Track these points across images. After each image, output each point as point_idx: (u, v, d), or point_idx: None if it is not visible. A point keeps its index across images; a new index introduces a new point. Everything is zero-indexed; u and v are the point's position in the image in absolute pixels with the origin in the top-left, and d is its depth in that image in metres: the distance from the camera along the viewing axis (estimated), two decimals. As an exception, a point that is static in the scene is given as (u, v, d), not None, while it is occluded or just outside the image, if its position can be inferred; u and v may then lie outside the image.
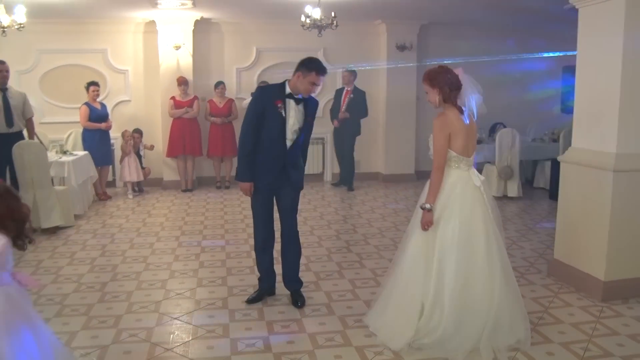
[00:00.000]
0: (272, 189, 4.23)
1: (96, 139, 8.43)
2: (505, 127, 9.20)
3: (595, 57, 4.51)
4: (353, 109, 9.22)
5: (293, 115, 4.09)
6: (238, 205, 8.14)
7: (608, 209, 4.30)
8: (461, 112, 3.55)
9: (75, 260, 5.55)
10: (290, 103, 4.08)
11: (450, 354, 3.39)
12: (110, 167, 9.09)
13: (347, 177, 9.55)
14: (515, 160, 8.41)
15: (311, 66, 4.00)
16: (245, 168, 4.18)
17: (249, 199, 4.37)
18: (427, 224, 3.46)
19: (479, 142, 9.04)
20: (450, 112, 3.54)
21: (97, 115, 8.43)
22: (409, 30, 9.98)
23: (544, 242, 6.08)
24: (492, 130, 9.75)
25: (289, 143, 4.12)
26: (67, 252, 5.82)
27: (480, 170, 8.70)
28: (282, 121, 4.07)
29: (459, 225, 3.46)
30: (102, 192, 8.67)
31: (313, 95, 4.18)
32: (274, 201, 4.33)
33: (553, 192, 8.16)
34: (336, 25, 7.39)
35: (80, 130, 8.60)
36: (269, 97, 4.10)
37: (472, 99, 3.58)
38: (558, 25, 8.99)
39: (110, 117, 8.79)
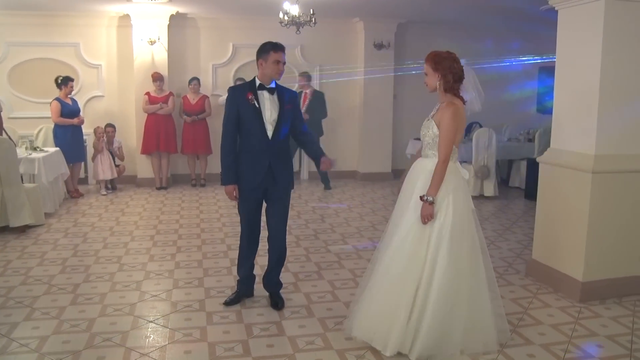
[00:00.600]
0: (260, 192, 4.14)
1: (68, 135, 8.23)
2: (481, 126, 9.24)
3: (575, 58, 4.53)
4: (313, 111, 9.13)
5: (269, 107, 4.01)
6: (214, 204, 8.03)
7: (586, 210, 4.32)
8: (464, 102, 3.49)
9: (46, 260, 5.39)
10: (264, 94, 4.01)
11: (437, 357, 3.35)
12: (82, 163, 8.87)
13: (323, 177, 9.50)
14: (492, 159, 8.46)
15: (266, 48, 3.98)
16: (227, 171, 4.09)
17: (225, 196, 4.27)
18: (428, 217, 3.33)
19: (456, 141, 9.10)
20: (459, 103, 3.46)
21: (69, 111, 8.24)
22: (387, 29, 9.96)
23: (521, 242, 6.11)
24: (469, 129, 9.78)
25: (270, 134, 4.02)
26: (37, 252, 5.65)
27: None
28: (257, 111, 3.99)
29: (454, 219, 3.39)
30: (75, 189, 8.47)
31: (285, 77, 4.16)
32: (263, 205, 4.24)
33: (528, 192, 8.24)
34: (315, 23, 7.32)
35: (51, 126, 8.39)
36: (240, 94, 4.04)
37: (469, 95, 3.54)
38: (535, 26, 9.07)
39: (82, 112, 8.59)
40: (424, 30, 10.27)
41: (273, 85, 4.05)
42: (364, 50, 10.05)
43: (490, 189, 8.47)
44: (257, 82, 4.04)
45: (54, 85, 8.22)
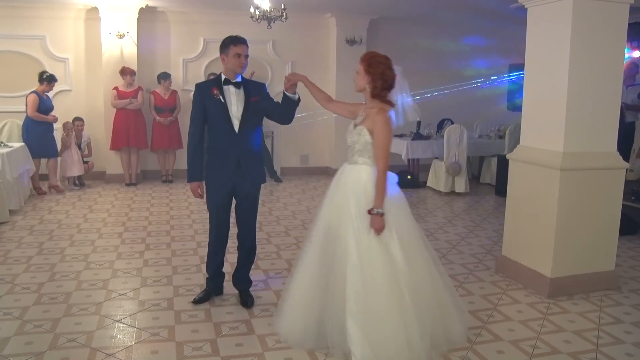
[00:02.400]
0: (228, 187, 4.07)
1: (41, 130, 8.10)
2: (453, 123, 9.31)
3: (544, 56, 4.56)
4: None
5: (234, 101, 3.96)
6: (184, 200, 7.93)
7: (555, 207, 4.36)
8: (393, 106, 3.42)
9: (10, 259, 5.23)
10: (230, 89, 3.96)
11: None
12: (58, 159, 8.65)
13: (270, 170, 9.58)
14: (463, 156, 8.52)
15: (226, 42, 3.96)
16: (192, 167, 4.06)
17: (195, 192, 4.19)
18: (381, 229, 3.25)
19: (428, 137, 9.14)
20: (388, 109, 3.38)
21: (46, 107, 8.13)
22: (359, 25, 9.95)
23: (491, 238, 6.16)
24: (440, 126, 9.86)
25: (236, 128, 3.96)
26: (1, 250, 5.49)
27: (428, 166, 8.93)
28: (223, 106, 3.94)
29: (406, 224, 3.40)
30: (55, 185, 8.39)
31: (246, 69, 4.06)
32: (233, 201, 4.17)
33: (499, 188, 8.32)
34: (286, 18, 7.27)
35: (17, 120, 8.19)
36: (206, 90, 3.99)
37: (401, 102, 3.49)
38: (506, 24, 9.15)
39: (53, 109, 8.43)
40: (396, 27, 10.30)
41: (239, 79, 4.00)
42: (336, 46, 10.03)
43: (461, 185, 8.53)
44: (223, 77, 3.99)
45: (22, 78, 7.97)
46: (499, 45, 10.59)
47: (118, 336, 3.66)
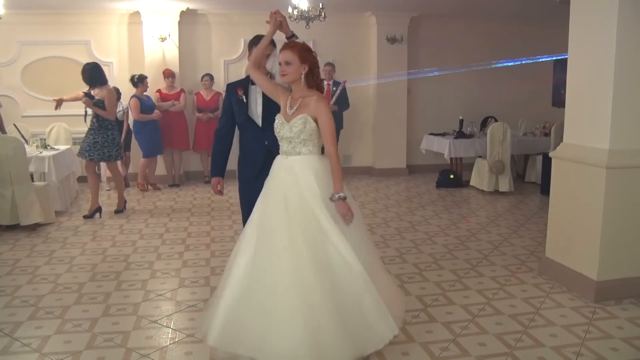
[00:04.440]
0: (260, 181, 4.03)
1: (148, 130, 8.57)
2: (496, 121, 9.08)
3: (588, 49, 4.36)
4: (338, 103, 9.10)
5: (260, 101, 3.88)
6: (226, 201, 7.97)
7: (600, 207, 4.17)
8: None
9: (54, 259, 5.38)
10: (256, 88, 3.87)
11: None
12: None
13: None
14: (507, 154, 8.29)
15: (251, 42, 3.88)
16: (214, 163, 4.08)
17: (237, 194, 4.16)
18: (349, 214, 3.14)
19: (470, 136, 8.95)
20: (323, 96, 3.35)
21: (147, 107, 8.56)
22: (400, 22, 9.83)
23: (536, 239, 5.96)
24: (484, 124, 9.65)
25: (260, 124, 3.89)
26: (46, 250, 5.65)
27: (472, 165, 8.73)
28: (244, 106, 3.91)
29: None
30: (153, 182, 8.92)
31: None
32: None
33: (544, 187, 8.06)
34: (324, 17, 7.23)
35: (63, 124, 8.49)
36: (233, 90, 3.97)
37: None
38: (552, 16, 8.87)
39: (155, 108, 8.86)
40: (437, 23, 10.14)
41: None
42: (376, 45, 9.93)
43: (505, 184, 8.31)
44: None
45: (70, 83, 8.22)
46: (544, 39, 10.26)
47: (153, 337, 3.69)
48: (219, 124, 4.09)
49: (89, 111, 6.80)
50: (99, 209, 7.09)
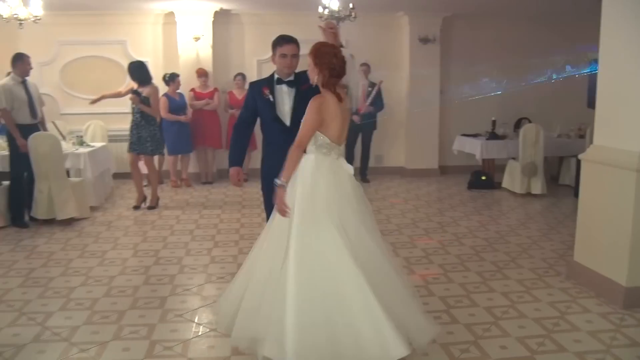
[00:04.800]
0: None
1: (175, 128, 8.75)
2: (530, 122, 8.94)
3: (619, 47, 4.25)
4: (373, 103, 9.11)
5: (287, 100, 3.93)
6: (257, 199, 8.03)
7: (630, 211, 4.07)
8: (340, 99, 3.34)
9: (87, 252, 5.54)
10: (282, 88, 3.93)
11: None
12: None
13: (362, 169, 9.53)
14: (540, 156, 8.15)
15: (274, 43, 3.91)
16: (232, 154, 4.09)
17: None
18: (281, 203, 3.18)
19: (503, 137, 8.83)
20: (329, 97, 3.32)
21: (177, 106, 8.77)
22: (432, 23, 9.76)
23: (566, 243, 5.85)
24: (517, 125, 9.50)
25: (288, 122, 3.92)
26: (80, 244, 5.82)
27: (504, 167, 8.62)
28: (272, 105, 3.94)
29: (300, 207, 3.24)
30: (185, 178, 9.15)
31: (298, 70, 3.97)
32: None
33: (578, 190, 7.86)
34: (354, 17, 7.24)
35: (100, 122, 8.76)
36: (257, 89, 3.99)
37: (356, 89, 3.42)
38: (586, 16, 8.68)
39: (188, 107, 9.04)
40: (470, 23, 10.03)
41: (292, 78, 3.95)
42: (409, 45, 9.87)
43: (537, 186, 8.16)
44: (276, 76, 3.96)
45: (106, 81, 8.48)
46: (579, 38, 10.05)
47: (178, 330, 3.78)
48: (239, 118, 4.12)
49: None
50: (145, 199, 7.52)
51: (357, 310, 3.01)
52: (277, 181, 3.23)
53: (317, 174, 3.27)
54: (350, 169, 3.40)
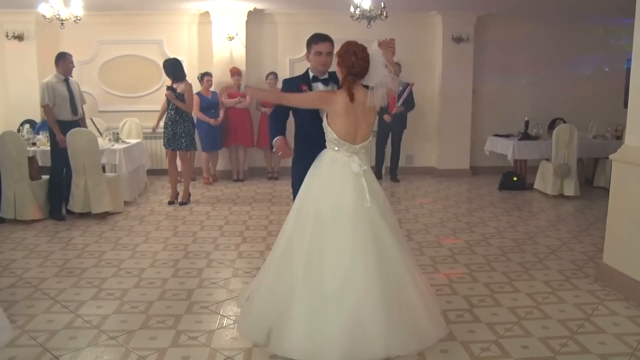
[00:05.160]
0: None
1: (205, 126, 8.94)
2: (564, 122, 8.79)
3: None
4: (404, 104, 9.11)
5: None
6: (286, 197, 8.12)
7: (662, 213, 4.01)
8: (352, 99, 3.39)
9: (119, 245, 5.70)
10: (318, 86, 3.94)
11: None
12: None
13: (392, 168, 9.57)
14: (573, 157, 8.01)
15: (309, 41, 3.95)
16: (271, 129, 4.03)
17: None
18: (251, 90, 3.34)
19: (536, 137, 8.71)
20: (340, 94, 3.44)
21: (208, 104, 8.96)
22: (466, 22, 9.68)
23: (596, 245, 5.74)
24: (551, 126, 9.35)
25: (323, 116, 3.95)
26: (113, 237, 5.99)
27: (536, 168, 8.49)
28: None
29: (331, 206, 3.34)
30: (214, 174, 9.39)
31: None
32: None
33: (613, 192, 7.73)
34: (386, 16, 7.25)
35: (136, 119, 8.98)
36: (295, 85, 3.96)
37: (379, 89, 3.44)
38: (622, 15, 8.50)
39: (220, 107, 9.16)
40: (504, 23, 9.91)
41: (326, 76, 3.98)
42: (442, 44, 9.82)
43: (570, 188, 8.03)
44: (311, 74, 3.99)
45: (141, 80, 8.74)
46: (616, 38, 9.85)
47: (203, 321, 3.87)
48: (274, 111, 4.07)
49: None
50: (178, 196, 7.74)
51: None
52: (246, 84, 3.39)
53: (315, 170, 3.48)
54: (355, 167, 3.42)
